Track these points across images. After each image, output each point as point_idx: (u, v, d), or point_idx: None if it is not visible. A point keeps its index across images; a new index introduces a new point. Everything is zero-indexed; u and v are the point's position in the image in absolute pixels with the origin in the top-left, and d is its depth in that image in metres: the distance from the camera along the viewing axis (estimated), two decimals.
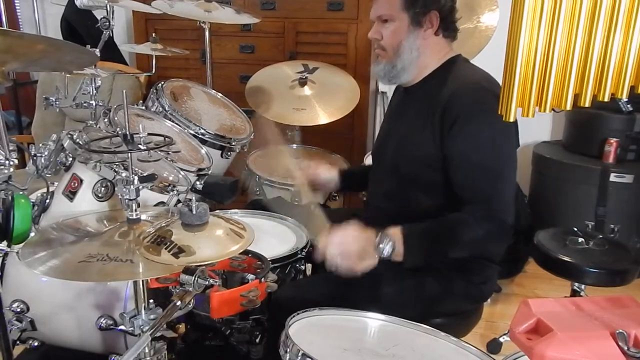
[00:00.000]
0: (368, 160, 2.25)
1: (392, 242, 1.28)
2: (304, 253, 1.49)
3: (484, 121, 1.29)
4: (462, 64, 1.45)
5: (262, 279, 1.14)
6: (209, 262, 0.94)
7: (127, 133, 1.04)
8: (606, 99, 0.68)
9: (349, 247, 1.26)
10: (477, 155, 1.32)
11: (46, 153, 1.38)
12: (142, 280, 1.00)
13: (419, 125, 1.40)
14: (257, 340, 1.35)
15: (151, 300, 1.04)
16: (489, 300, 2.36)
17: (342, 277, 1.26)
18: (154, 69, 2.24)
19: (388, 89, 3.18)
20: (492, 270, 1.48)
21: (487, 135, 1.31)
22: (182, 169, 1.50)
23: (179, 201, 1.40)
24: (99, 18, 1.90)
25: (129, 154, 1.03)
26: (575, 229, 1.93)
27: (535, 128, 3.06)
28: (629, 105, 2.53)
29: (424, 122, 1.38)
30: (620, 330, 0.76)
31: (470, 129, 1.32)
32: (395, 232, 1.29)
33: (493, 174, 1.32)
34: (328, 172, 1.75)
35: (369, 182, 1.66)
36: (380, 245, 1.27)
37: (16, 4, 3.67)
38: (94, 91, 1.89)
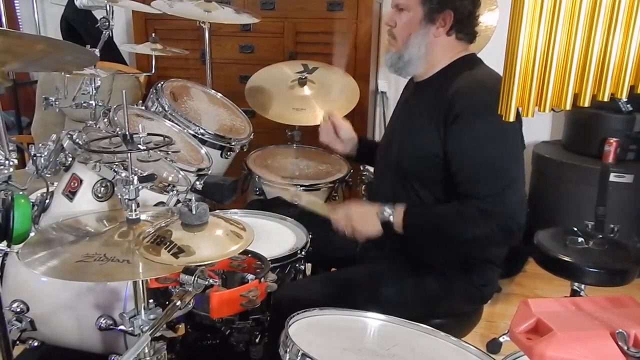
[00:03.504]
0: None
1: (393, 208, 1.38)
2: (303, 253, 1.49)
3: (486, 120, 1.28)
4: (474, 64, 1.44)
5: (262, 279, 1.14)
6: (209, 262, 0.94)
7: (127, 133, 1.04)
8: (606, 99, 0.68)
9: (357, 211, 1.40)
10: (477, 153, 1.31)
11: (46, 153, 1.38)
12: (142, 281, 1.00)
13: (424, 122, 1.40)
14: (257, 340, 1.35)
15: (151, 300, 1.04)
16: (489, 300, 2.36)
17: (353, 240, 1.42)
18: (153, 69, 2.23)
19: (388, 89, 3.18)
20: (493, 272, 1.48)
21: (488, 134, 1.30)
22: (181, 169, 1.50)
23: (178, 201, 1.40)
24: (98, 18, 1.90)
25: (129, 154, 1.03)
26: (575, 229, 1.93)
27: (535, 128, 3.06)
28: (628, 105, 2.53)
29: (429, 119, 1.38)
30: (620, 330, 0.76)
31: (471, 127, 1.31)
32: (400, 204, 1.39)
33: (494, 173, 1.31)
34: (349, 132, 1.76)
35: (373, 180, 1.66)
36: (383, 208, 1.38)
37: (16, 4, 3.67)
38: (94, 91, 1.89)
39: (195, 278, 0.95)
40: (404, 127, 1.50)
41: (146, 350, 1.02)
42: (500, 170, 1.31)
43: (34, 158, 1.37)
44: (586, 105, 0.68)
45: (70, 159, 1.38)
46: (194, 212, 0.95)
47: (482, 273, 1.45)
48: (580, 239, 1.87)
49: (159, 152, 1.10)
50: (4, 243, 1.07)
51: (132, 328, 1.01)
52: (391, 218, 1.37)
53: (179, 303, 0.96)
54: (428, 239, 1.41)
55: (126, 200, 1.04)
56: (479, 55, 1.49)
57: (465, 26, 1.41)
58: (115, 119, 1.52)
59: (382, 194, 1.57)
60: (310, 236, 1.55)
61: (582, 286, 1.86)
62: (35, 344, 1.34)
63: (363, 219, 1.39)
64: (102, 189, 1.33)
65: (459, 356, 1.04)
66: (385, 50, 1.53)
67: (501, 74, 0.72)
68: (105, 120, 1.52)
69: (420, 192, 1.43)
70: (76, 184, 1.35)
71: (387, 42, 1.51)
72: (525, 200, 1.39)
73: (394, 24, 1.45)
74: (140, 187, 1.05)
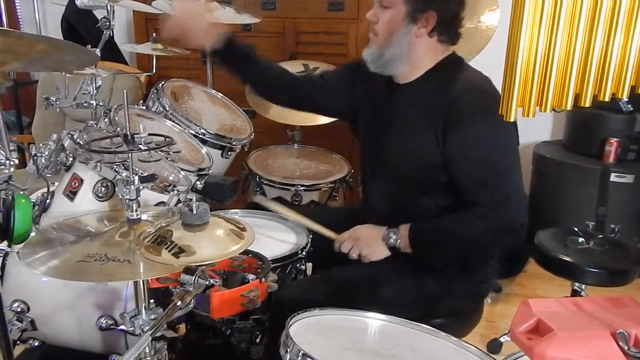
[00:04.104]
0: None
1: (398, 232, 1.40)
2: (304, 253, 1.49)
3: (486, 123, 1.29)
4: (461, 65, 1.43)
5: (263, 279, 1.14)
6: (210, 262, 0.94)
7: (128, 133, 1.04)
8: (607, 99, 0.68)
9: (361, 237, 1.44)
10: (478, 155, 1.32)
11: (46, 153, 1.38)
12: (143, 280, 1.00)
13: (420, 125, 1.39)
14: (258, 340, 1.35)
15: (151, 300, 1.04)
16: (489, 300, 2.36)
17: (364, 263, 1.44)
18: (154, 69, 2.23)
19: None
20: (492, 269, 1.49)
21: (489, 134, 1.31)
22: (182, 169, 1.50)
23: (179, 201, 1.40)
24: (99, 18, 1.90)
25: (130, 154, 1.03)
26: (576, 229, 1.93)
27: (536, 128, 3.06)
28: (629, 105, 2.52)
29: (425, 122, 1.37)
30: (621, 330, 0.76)
31: (472, 130, 1.31)
32: (404, 226, 1.41)
33: (496, 173, 1.32)
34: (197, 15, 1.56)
35: (365, 183, 1.64)
36: (387, 235, 1.42)
37: (16, 4, 3.67)
38: (95, 91, 1.89)
39: (196, 278, 0.95)
40: (397, 132, 1.46)
41: (147, 350, 1.02)
42: (501, 171, 1.32)
43: (35, 158, 1.37)
44: (587, 105, 0.68)
45: (71, 159, 1.38)
46: (194, 212, 0.95)
47: (480, 270, 1.46)
48: (580, 239, 1.86)
49: (159, 152, 1.10)
50: (5, 243, 1.07)
51: (132, 328, 1.01)
52: (397, 243, 1.41)
53: (179, 303, 0.96)
54: (438, 252, 1.43)
55: (127, 200, 1.04)
56: (479, 55, 1.49)
57: (448, 28, 1.38)
58: (116, 118, 1.52)
59: (378, 198, 1.56)
60: (310, 236, 1.55)
61: (583, 286, 1.86)
62: (36, 343, 1.34)
63: (370, 245, 1.43)
64: (103, 188, 1.33)
65: (460, 356, 1.04)
66: (367, 46, 1.49)
67: (502, 74, 0.71)
68: (106, 120, 1.53)
69: (420, 198, 1.43)
70: (77, 184, 1.35)
71: (369, 37, 1.48)
72: (526, 198, 1.40)
73: (376, 20, 1.42)
74: (141, 187, 1.05)
